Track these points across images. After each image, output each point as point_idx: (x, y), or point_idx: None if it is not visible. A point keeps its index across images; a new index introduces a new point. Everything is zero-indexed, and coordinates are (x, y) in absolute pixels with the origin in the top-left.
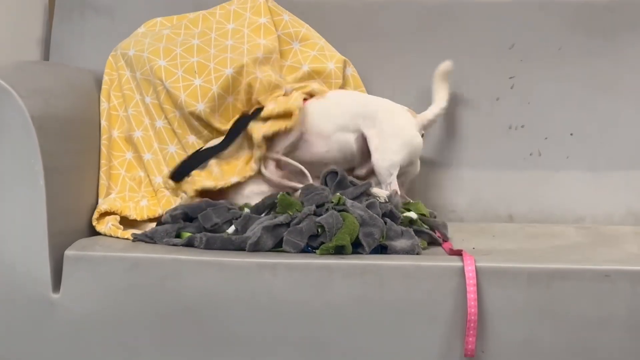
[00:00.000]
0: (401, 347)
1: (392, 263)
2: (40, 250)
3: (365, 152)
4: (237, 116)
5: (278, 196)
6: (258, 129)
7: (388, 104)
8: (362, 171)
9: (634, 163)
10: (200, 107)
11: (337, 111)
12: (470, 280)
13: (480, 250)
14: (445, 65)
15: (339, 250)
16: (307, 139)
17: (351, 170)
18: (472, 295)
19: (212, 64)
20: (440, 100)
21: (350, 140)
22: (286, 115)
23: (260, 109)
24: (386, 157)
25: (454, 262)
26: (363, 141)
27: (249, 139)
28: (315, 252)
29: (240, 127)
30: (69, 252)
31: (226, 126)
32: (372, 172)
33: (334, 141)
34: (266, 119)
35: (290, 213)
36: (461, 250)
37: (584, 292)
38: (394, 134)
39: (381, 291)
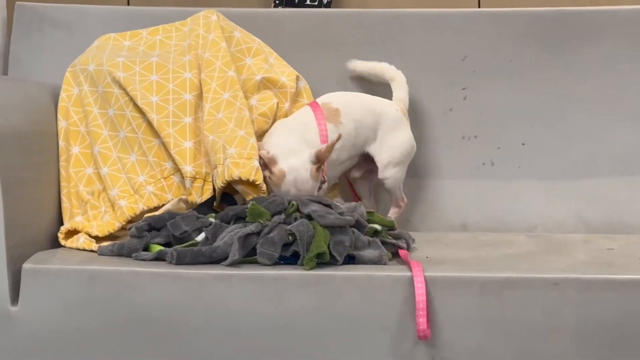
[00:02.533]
0: (355, 355)
1: (345, 274)
2: None
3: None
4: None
5: (249, 205)
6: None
7: (391, 110)
8: (357, 174)
9: (585, 172)
10: (154, 116)
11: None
12: (416, 268)
13: (434, 259)
14: (352, 67)
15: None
16: None
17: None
18: (419, 278)
19: (172, 85)
20: (398, 78)
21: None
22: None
23: None
24: (397, 176)
25: (406, 272)
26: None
27: None
28: (282, 263)
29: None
30: (26, 265)
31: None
32: (367, 175)
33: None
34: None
35: (261, 221)
36: (407, 254)
37: (534, 300)
38: (400, 149)
39: (335, 301)
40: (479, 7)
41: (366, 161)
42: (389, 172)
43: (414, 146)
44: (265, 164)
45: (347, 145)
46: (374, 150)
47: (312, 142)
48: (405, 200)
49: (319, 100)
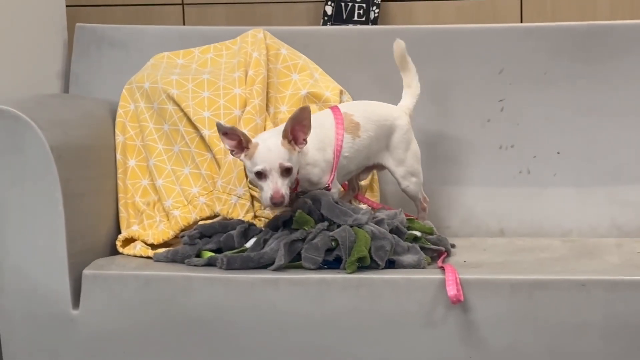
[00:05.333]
0: (395, 353)
1: (384, 276)
2: (61, 270)
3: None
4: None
5: (296, 214)
6: None
7: (403, 122)
8: (364, 175)
9: (616, 179)
10: (206, 132)
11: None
12: (446, 265)
13: (471, 263)
14: (397, 45)
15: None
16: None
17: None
18: (447, 267)
19: (222, 101)
20: (414, 87)
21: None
22: None
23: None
24: (418, 181)
25: (441, 275)
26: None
27: None
28: (326, 268)
29: None
30: (87, 271)
31: None
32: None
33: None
34: None
35: (306, 229)
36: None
37: (563, 300)
38: (414, 157)
39: (374, 302)
40: (521, 21)
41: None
42: (410, 181)
43: (419, 150)
44: (241, 145)
45: (359, 157)
46: (387, 162)
47: (328, 143)
48: (427, 198)
49: (341, 108)
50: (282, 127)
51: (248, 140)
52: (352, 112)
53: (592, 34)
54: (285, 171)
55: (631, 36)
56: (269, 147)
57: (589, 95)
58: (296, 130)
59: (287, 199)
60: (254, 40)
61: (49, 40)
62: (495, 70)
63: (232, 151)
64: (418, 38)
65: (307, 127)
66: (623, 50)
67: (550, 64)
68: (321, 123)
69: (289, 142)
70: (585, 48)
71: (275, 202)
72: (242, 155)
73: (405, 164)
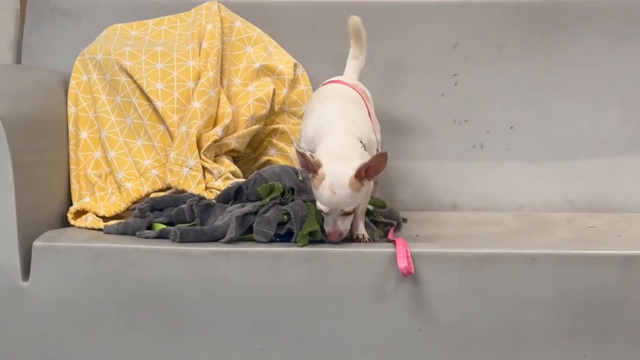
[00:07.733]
0: (345, 327)
1: (335, 250)
2: (10, 241)
3: None
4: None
5: (258, 189)
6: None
7: (369, 93)
8: None
9: (569, 154)
10: (159, 104)
11: None
12: (397, 240)
13: (423, 237)
14: (352, 20)
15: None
16: None
17: None
18: (398, 241)
19: (176, 73)
20: (360, 60)
21: None
22: None
23: None
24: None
25: (392, 249)
26: None
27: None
28: (277, 241)
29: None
30: (37, 243)
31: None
32: None
33: None
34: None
35: (271, 198)
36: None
37: (512, 274)
38: (378, 125)
39: (326, 276)
40: None
41: None
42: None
43: None
44: (309, 167)
45: None
46: None
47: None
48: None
49: (345, 80)
50: (357, 151)
51: (314, 169)
52: (355, 83)
53: (547, 9)
54: (346, 214)
55: (585, 11)
56: (334, 189)
57: (543, 70)
58: (371, 169)
59: (345, 234)
60: (208, 13)
61: (1, 10)
62: (450, 44)
63: (301, 170)
64: (373, 12)
65: (381, 169)
66: (577, 25)
67: (505, 39)
68: (357, 100)
69: (360, 179)
70: (539, 23)
71: (331, 240)
72: (311, 176)
73: (379, 133)
